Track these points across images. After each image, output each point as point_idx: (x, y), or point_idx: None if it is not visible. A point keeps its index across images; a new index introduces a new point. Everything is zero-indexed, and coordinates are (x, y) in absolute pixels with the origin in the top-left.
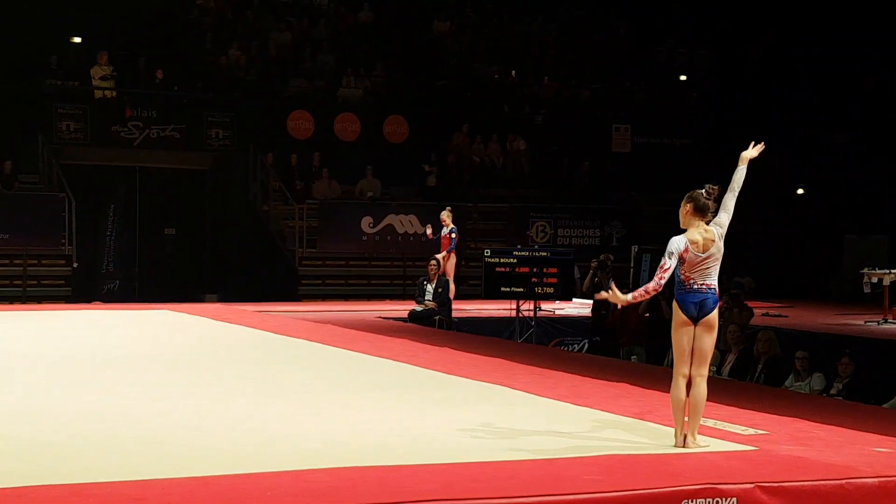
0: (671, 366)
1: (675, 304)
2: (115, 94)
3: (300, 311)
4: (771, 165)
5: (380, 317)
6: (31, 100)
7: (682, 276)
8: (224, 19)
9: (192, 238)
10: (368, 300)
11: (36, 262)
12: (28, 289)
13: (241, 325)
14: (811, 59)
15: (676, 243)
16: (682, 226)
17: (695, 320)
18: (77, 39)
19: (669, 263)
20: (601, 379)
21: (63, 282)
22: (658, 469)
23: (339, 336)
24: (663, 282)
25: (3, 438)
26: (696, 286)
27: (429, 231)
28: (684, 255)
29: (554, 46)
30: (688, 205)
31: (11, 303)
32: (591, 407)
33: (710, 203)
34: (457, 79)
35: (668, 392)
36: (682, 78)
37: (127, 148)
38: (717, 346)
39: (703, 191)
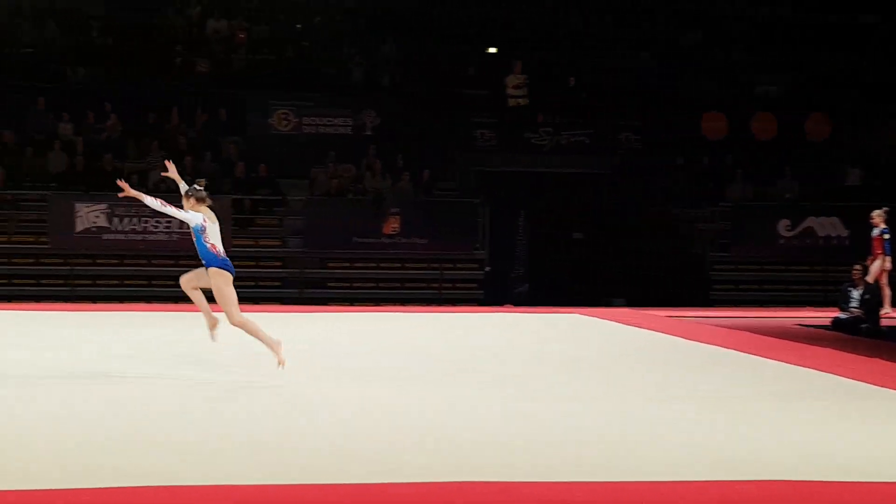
0: None
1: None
2: (527, 101)
3: (711, 317)
4: None
5: (798, 324)
6: (448, 110)
7: (210, 244)
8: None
9: (598, 242)
10: (785, 307)
11: (451, 265)
12: (444, 291)
13: (649, 329)
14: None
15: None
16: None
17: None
18: (492, 50)
19: (183, 215)
20: None
21: (475, 285)
22: None
23: (754, 343)
24: (163, 209)
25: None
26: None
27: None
28: (205, 225)
29: None
30: (191, 198)
31: (428, 304)
32: None
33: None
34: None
35: None
36: None
37: (537, 154)
38: None
39: (196, 185)
